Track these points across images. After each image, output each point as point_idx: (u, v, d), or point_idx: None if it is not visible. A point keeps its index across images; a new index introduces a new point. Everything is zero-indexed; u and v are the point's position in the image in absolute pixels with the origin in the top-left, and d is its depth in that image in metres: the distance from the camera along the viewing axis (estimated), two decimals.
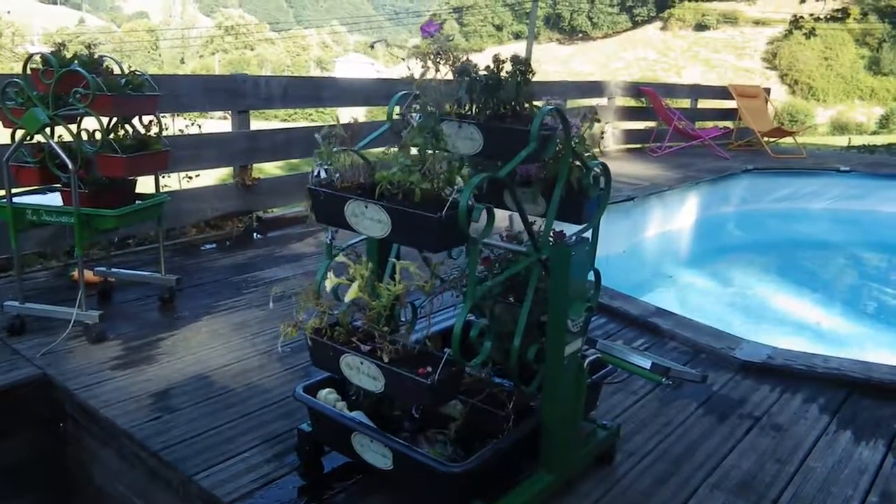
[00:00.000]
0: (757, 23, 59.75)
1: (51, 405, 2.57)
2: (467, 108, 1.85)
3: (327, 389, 2.03)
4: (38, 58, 2.72)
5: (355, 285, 1.82)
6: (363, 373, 1.75)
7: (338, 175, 1.75)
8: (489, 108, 1.83)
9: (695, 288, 6.29)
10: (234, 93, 4.58)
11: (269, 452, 2.18)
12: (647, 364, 1.85)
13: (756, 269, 6.94)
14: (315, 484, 2.05)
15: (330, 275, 1.88)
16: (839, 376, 2.79)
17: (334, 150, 1.76)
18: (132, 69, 2.99)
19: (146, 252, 4.07)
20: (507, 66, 1.82)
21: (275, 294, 1.88)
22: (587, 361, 1.91)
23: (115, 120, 2.98)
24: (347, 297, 1.82)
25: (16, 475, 2.57)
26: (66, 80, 2.69)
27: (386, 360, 1.71)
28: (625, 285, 4.10)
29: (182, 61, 74.93)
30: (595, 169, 1.89)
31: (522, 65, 1.78)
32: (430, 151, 1.65)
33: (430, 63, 1.69)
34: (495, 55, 1.81)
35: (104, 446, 2.43)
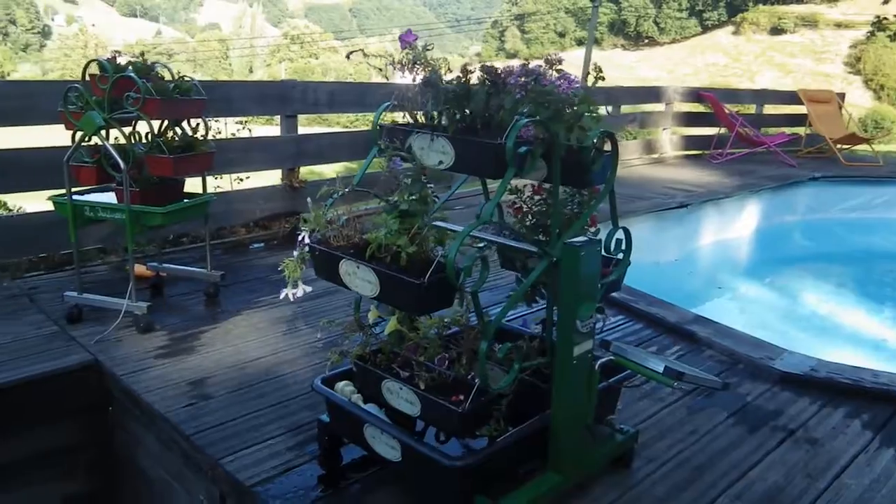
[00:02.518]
0: (839, 25, 57.34)
1: (100, 390, 2.72)
2: (436, 120, 1.80)
3: (344, 382, 2.09)
4: (95, 65, 2.90)
5: (394, 319, 1.96)
6: (402, 397, 1.84)
7: (333, 233, 1.84)
8: (459, 121, 1.77)
9: (751, 299, 6.10)
10: (284, 98, 4.73)
11: (291, 441, 2.25)
12: (659, 367, 1.83)
13: (819, 281, 6.67)
14: (332, 473, 2.10)
15: (372, 307, 2.00)
16: (888, 392, 2.66)
17: (329, 204, 1.84)
18: (181, 75, 3.14)
19: (197, 249, 4.25)
20: (476, 76, 1.77)
21: (307, 292, 1.96)
22: (599, 363, 1.90)
23: (165, 123, 3.14)
24: (387, 331, 1.97)
25: (68, 456, 2.73)
26: (120, 85, 2.85)
27: (422, 386, 1.80)
28: (676, 295, 4.02)
29: (251, 70, 77.41)
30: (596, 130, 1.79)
31: (492, 74, 1.73)
32: (416, 217, 1.70)
33: (406, 72, 1.72)
34: (463, 65, 1.77)
35: (146, 430, 2.56)
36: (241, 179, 4.87)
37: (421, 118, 1.83)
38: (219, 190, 4.78)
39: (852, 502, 2.05)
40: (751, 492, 2.07)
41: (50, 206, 3.18)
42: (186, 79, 3.15)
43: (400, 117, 1.90)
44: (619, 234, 2.01)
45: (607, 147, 1.82)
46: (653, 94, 9.44)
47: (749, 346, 3.06)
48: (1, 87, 4.81)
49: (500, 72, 1.70)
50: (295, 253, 1.93)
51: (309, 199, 1.97)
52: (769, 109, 10.75)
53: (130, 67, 2.92)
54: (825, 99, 10.00)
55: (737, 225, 7.02)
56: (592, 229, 2.03)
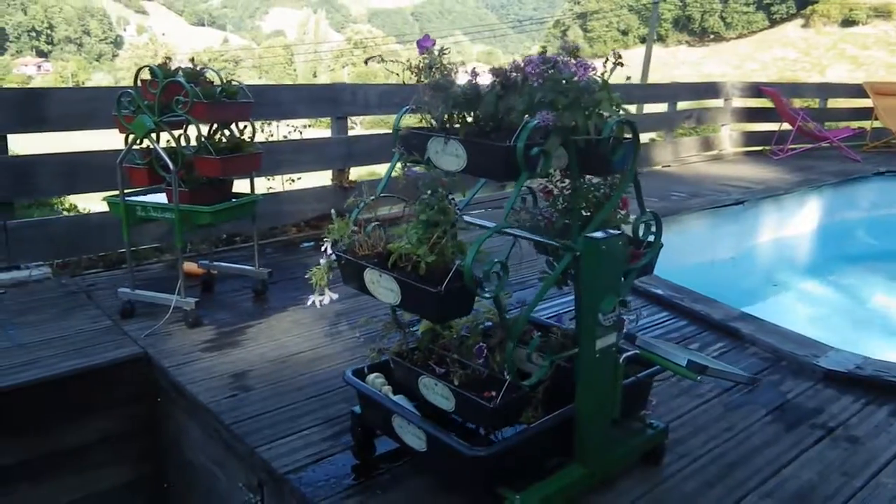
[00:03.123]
0: None
1: (150, 381, 2.86)
2: (448, 123, 1.82)
3: (375, 374, 2.14)
4: (146, 71, 3.05)
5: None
6: (437, 393, 1.90)
7: (359, 242, 1.90)
8: (471, 123, 1.79)
9: (810, 298, 5.90)
10: (334, 101, 4.85)
11: (327, 432, 2.32)
12: (684, 361, 1.81)
13: (884, 279, 6.39)
14: (364, 463, 2.16)
15: None
16: None
17: (354, 214, 1.92)
18: (229, 79, 3.27)
19: (248, 248, 4.39)
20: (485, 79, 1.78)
21: (333, 299, 2.05)
22: (623, 357, 1.90)
23: (215, 126, 3.27)
24: (420, 329, 2.04)
25: (119, 444, 2.87)
26: (170, 89, 2.99)
27: (456, 382, 1.85)
28: (731, 293, 3.93)
29: (314, 74, 79.03)
30: (615, 118, 1.77)
31: (502, 76, 1.74)
32: (436, 227, 1.74)
33: (422, 77, 1.75)
34: (472, 68, 1.78)
35: (190, 419, 2.67)
36: (293, 180, 5.01)
37: (432, 122, 1.85)
38: (271, 191, 4.94)
39: (888, 501, 1.98)
40: (782, 490, 2.03)
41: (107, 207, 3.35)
42: (234, 83, 3.27)
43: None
44: (647, 218, 2.00)
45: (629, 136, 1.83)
46: (711, 89, 9.22)
47: (794, 343, 2.98)
48: (68, 93, 5.07)
49: (510, 72, 1.72)
50: (322, 261, 2.00)
51: (333, 211, 2.04)
52: (834, 103, 10.35)
53: (180, 73, 3.05)
54: (892, 91, 9.56)
55: (796, 222, 6.79)
56: (623, 212, 2.03)
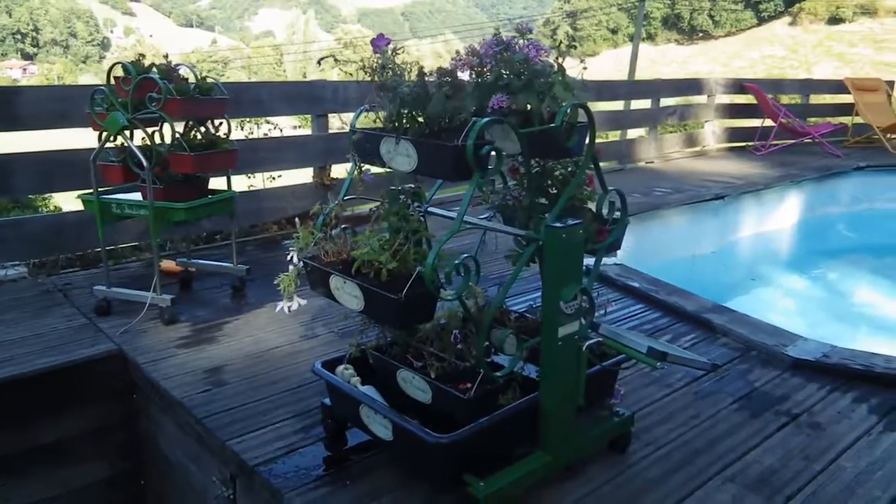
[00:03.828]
0: None
1: (125, 378, 2.87)
2: (397, 123, 1.81)
3: (344, 365, 2.16)
4: (119, 67, 3.05)
5: None
6: (415, 386, 1.93)
7: (324, 250, 1.93)
8: (421, 123, 1.79)
9: (788, 291, 5.96)
10: (314, 98, 4.86)
11: (298, 425, 2.34)
12: (644, 348, 1.84)
13: (862, 272, 6.46)
14: (335, 455, 2.18)
15: None
16: None
17: (319, 222, 1.94)
18: (204, 76, 3.28)
19: (228, 246, 4.39)
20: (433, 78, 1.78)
21: (301, 304, 2.10)
22: (586, 345, 1.93)
23: (190, 123, 3.28)
24: None
25: (96, 440, 2.88)
26: (143, 86, 2.99)
27: (433, 375, 1.89)
28: (712, 288, 3.96)
29: (304, 75, 78.85)
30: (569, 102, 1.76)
31: (448, 75, 1.75)
32: (398, 233, 1.78)
33: (375, 77, 1.76)
34: (419, 67, 1.78)
35: (165, 415, 2.68)
36: (274, 178, 5.01)
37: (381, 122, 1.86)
38: (252, 188, 4.94)
39: (846, 484, 2.02)
40: (744, 474, 2.06)
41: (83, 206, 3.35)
42: (209, 79, 3.28)
43: None
44: (611, 196, 2.03)
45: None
46: (694, 86, 9.28)
47: (764, 333, 3.02)
48: (40, 92, 5.04)
49: (461, 64, 1.74)
50: (290, 268, 2.02)
51: (297, 220, 2.07)
52: (816, 99, 10.44)
53: (154, 69, 3.06)
54: (872, 87, 9.66)
55: (777, 217, 6.86)
56: (589, 189, 2.06)
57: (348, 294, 1.85)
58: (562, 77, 1.70)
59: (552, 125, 1.69)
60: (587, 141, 1.85)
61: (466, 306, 1.84)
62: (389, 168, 1.87)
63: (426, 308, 1.79)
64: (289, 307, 2.02)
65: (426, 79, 1.76)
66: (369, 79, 1.78)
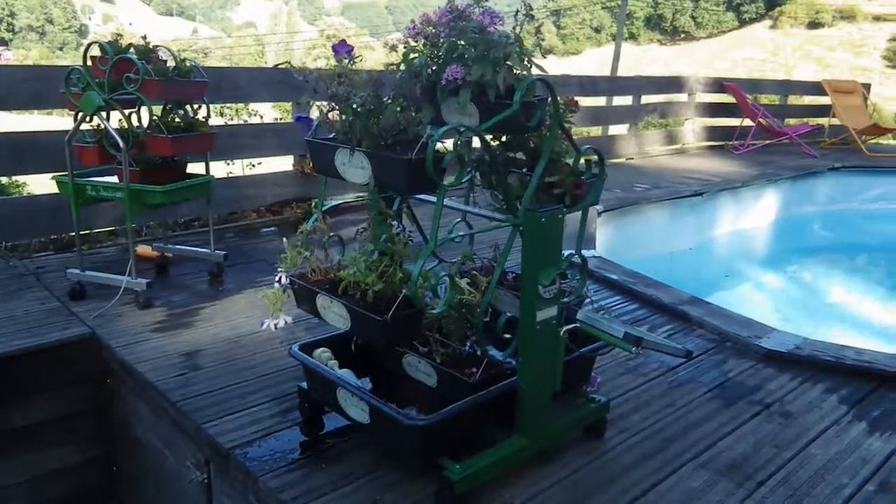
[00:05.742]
0: (877, 19, 56.02)
1: (98, 362, 2.83)
2: (350, 133, 1.75)
3: (322, 348, 2.15)
4: (96, 47, 3.00)
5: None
6: (421, 370, 2.00)
7: (311, 269, 1.94)
8: (375, 136, 1.72)
9: (762, 287, 6.04)
10: (294, 85, 4.81)
11: (275, 409, 2.33)
12: (620, 333, 1.85)
13: (836, 270, 6.57)
14: (311, 439, 2.17)
15: None
16: (869, 369, 2.65)
17: (304, 240, 1.94)
18: (184, 59, 3.24)
19: (207, 233, 4.35)
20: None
21: (288, 322, 2.11)
22: (563, 330, 1.94)
23: (169, 105, 3.24)
24: None
25: (67, 425, 2.84)
26: (120, 66, 2.95)
27: (438, 360, 1.96)
28: (690, 283, 3.99)
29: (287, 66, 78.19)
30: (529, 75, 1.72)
31: (405, 89, 1.72)
32: (384, 255, 1.78)
33: (329, 86, 1.72)
34: (376, 79, 1.74)
35: (139, 399, 2.65)
36: (254, 165, 4.97)
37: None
38: (231, 175, 4.90)
39: (815, 471, 2.06)
40: (716, 461, 2.09)
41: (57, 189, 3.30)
42: (188, 62, 3.24)
43: None
44: (588, 154, 2.04)
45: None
46: (675, 84, 9.35)
47: (738, 325, 3.06)
48: (18, 71, 4.93)
49: (416, 33, 1.72)
50: (276, 285, 2.01)
51: (285, 240, 2.06)
52: (794, 100, 10.57)
53: (132, 49, 3.02)
54: (849, 89, 9.81)
55: (754, 215, 6.94)
56: (565, 143, 2.02)
57: (335, 313, 1.87)
58: (519, 48, 1.64)
59: (509, 112, 1.64)
60: (549, 110, 1.83)
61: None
62: (345, 179, 1.83)
63: (411, 329, 1.83)
64: (275, 324, 2.02)
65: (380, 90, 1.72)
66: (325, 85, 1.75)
